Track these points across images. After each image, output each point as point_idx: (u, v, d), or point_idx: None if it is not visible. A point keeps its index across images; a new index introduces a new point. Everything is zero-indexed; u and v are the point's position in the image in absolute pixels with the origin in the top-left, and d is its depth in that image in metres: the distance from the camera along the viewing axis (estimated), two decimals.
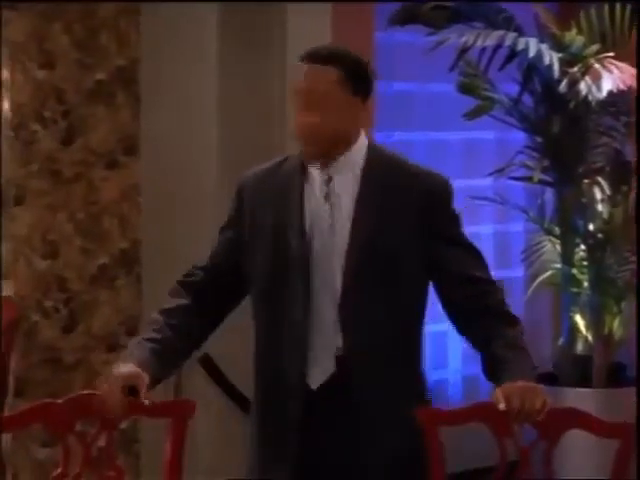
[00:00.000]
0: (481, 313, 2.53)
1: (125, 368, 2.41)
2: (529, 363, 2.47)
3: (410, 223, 2.50)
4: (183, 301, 2.57)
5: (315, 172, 2.51)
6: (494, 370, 2.47)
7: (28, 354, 4.37)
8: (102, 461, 2.53)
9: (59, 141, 4.40)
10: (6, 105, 4.29)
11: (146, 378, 2.41)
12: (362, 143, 2.52)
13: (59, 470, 2.48)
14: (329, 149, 2.48)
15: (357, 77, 2.47)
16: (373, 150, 2.54)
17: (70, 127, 4.42)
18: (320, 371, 2.46)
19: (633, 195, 4.51)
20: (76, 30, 4.41)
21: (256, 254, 2.51)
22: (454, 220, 2.57)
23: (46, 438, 4.28)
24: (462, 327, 2.57)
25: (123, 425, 2.65)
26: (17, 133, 4.31)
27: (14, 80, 4.29)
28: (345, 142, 2.48)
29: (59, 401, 2.49)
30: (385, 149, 2.60)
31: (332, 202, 2.48)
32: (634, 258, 4.49)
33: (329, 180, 2.49)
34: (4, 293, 4.32)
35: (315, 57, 2.45)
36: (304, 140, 2.47)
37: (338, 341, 2.46)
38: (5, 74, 4.28)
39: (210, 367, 4.15)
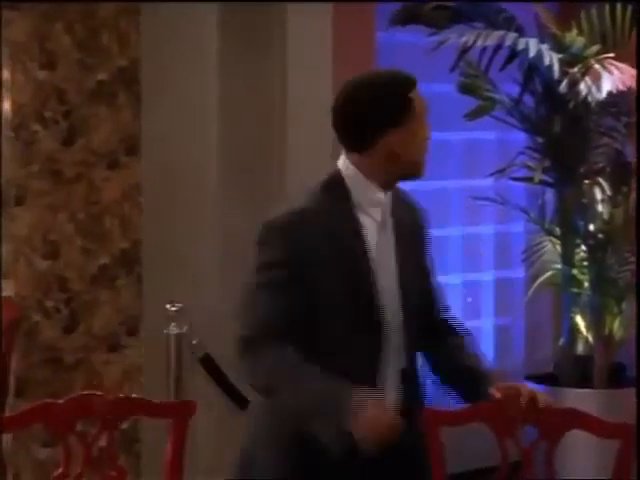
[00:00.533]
0: (445, 332, 2.59)
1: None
2: None
3: (419, 244, 2.53)
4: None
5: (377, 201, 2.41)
6: (478, 384, 2.48)
7: (29, 354, 4.37)
8: (103, 461, 2.53)
9: (60, 141, 4.40)
10: (7, 105, 4.29)
11: None
12: None
13: (60, 470, 2.48)
14: None
15: None
16: None
17: (71, 127, 4.42)
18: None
19: (634, 195, 4.51)
20: (77, 30, 4.41)
21: (329, 297, 2.36)
22: None
23: (47, 438, 4.28)
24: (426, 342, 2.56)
25: (124, 425, 2.65)
26: (18, 133, 4.31)
27: (15, 80, 4.29)
28: None
29: (60, 401, 2.49)
30: None
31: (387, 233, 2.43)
32: (634, 258, 4.49)
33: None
34: (5, 293, 4.32)
35: None
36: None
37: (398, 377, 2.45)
38: (6, 74, 4.28)
39: (210, 367, 4.14)
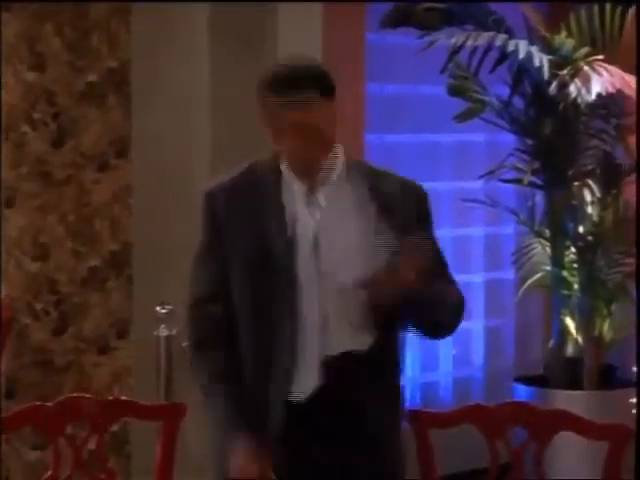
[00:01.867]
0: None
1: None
2: None
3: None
4: (214, 353, 2.46)
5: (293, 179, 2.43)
6: None
7: (19, 356, 4.37)
8: (93, 463, 2.53)
9: (49, 143, 4.40)
10: None
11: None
12: None
13: (49, 473, 2.47)
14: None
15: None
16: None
17: (60, 129, 4.42)
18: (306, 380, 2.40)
19: (623, 197, 4.52)
20: (67, 32, 4.41)
21: (240, 265, 2.43)
22: None
23: (36, 441, 4.28)
24: None
25: (114, 427, 2.65)
26: (7, 135, 4.31)
27: (4, 82, 4.28)
28: None
29: (49, 404, 2.49)
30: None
31: (316, 209, 2.42)
32: (624, 260, 4.50)
33: (312, 189, 2.42)
34: None
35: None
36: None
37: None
38: None
39: None
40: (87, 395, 2.59)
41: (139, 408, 2.66)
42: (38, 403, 2.49)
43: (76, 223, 4.48)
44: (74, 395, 2.56)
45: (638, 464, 2.58)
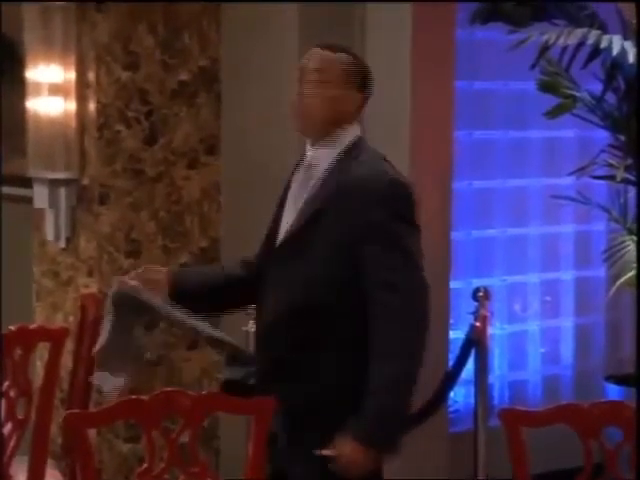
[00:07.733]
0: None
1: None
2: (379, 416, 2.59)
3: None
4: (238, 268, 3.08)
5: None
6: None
7: None
8: (185, 457, 2.56)
9: (142, 141, 4.46)
10: (91, 106, 4.36)
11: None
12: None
13: (145, 465, 2.50)
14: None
15: (359, 71, 2.81)
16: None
17: (153, 127, 4.48)
18: None
19: None
20: (159, 31, 4.47)
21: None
22: None
23: (127, 433, 4.33)
24: None
25: (204, 422, 2.67)
26: (101, 133, 4.38)
27: (99, 81, 4.36)
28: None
29: (144, 398, 2.52)
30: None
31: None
32: None
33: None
34: (89, 290, 4.38)
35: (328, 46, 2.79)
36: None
37: None
38: (90, 75, 4.35)
39: None
40: (180, 390, 2.62)
41: (231, 403, 2.68)
42: (134, 397, 2.53)
43: (167, 219, 4.54)
44: (169, 390, 2.59)
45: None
